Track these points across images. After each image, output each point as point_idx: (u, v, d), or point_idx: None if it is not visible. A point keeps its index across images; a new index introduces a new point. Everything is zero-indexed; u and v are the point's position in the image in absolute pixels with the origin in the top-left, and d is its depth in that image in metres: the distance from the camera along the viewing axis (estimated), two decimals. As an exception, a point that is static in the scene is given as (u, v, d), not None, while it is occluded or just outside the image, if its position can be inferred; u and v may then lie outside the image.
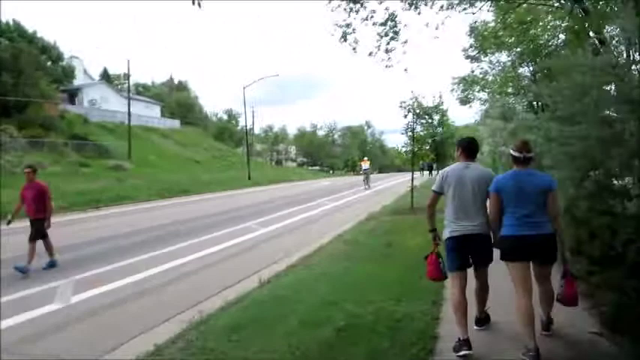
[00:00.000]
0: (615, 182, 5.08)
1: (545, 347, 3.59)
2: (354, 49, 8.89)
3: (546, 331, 4.03)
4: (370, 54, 9.09)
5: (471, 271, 4.14)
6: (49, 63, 41.77)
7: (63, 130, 32.69)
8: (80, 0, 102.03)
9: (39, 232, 7.88)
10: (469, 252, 4.05)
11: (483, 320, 4.34)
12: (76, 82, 48.30)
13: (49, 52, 42.92)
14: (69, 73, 46.18)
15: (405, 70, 9.33)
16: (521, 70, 15.39)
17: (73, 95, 46.40)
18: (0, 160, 19.68)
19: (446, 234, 4.12)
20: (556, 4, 11.23)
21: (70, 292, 6.25)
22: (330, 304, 5.08)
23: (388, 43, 8.81)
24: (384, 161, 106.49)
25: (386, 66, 9.02)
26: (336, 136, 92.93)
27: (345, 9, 8.54)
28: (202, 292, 6.36)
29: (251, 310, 5.05)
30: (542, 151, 6.18)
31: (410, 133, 13.53)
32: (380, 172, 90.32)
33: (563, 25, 12.58)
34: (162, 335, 4.56)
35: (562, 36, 13.13)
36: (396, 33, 8.77)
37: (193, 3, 3.98)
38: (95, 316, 5.51)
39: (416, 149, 13.58)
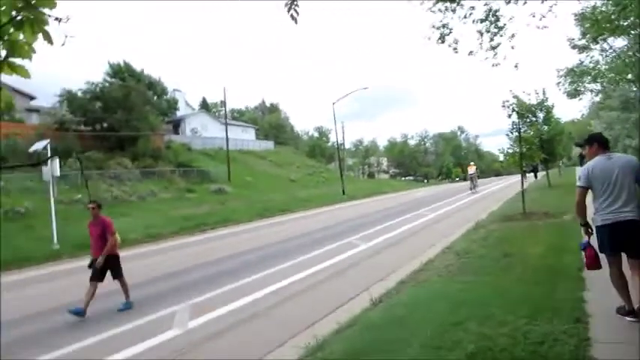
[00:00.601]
0: None
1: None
2: (454, 49, 8.33)
3: None
4: (470, 53, 8.48)
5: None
6: (155, 98, 45.49)
7: (170, 159, 35.15)
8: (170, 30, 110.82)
9: (108, 269, 7.25)
10: (622, 238, 4.20)
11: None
12: (179, 113, 52.14)
13: (155, 87, 46.78)
14: (172, 105, 50.00)
15: (516, 66, 8.43)
16: (641, 53, 13.68)
17: (176, 126, 50.08)
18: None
19: (597, 222, 4.35)
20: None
21: (187, 317, 6.39)
22: (454, 325, 4.61)
23: (492, 39, 8.15)
24: (481, 165, 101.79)
25: (492, 64, 8.34)
26: (428, 144, 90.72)
27: (440, 9, 8.07)
28: (313, 313, 6.19)
29: (369, 334, 4.73)
30: None
31: (516, 134, 12.55)
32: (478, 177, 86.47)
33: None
34: (280, 361, 4.42)
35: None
36: (499, 28, 8.09)
37: (292, 18, 3.84)
38: (212, 342, 5.53)
39: (524, 150, 12.51)
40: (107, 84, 34.61)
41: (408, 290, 6.44)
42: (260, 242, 13.80)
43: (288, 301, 7.03)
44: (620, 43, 14.85)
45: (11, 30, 1.87)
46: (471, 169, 32.20)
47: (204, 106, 71.71)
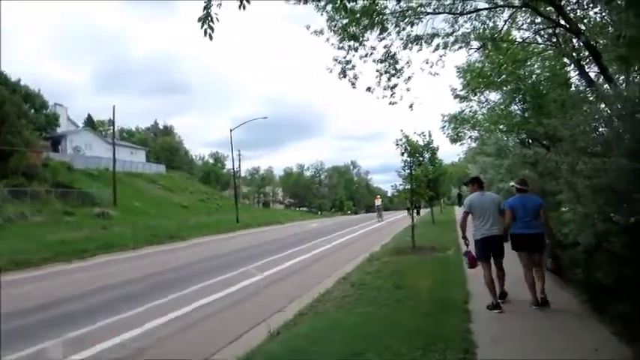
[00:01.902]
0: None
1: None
2: (353, 84, 8.79)
3: (537, 306, 6.15)
4: (369, 89, 8.99)
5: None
6: (32, 111, 41.45)
7: (46, 179, 31.93)
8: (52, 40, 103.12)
9: None
10: (492, 246, 6.48)
11: (503, 295, 6.69)
12: (60, 130, 47.90)
13: (33, 100, 42.68)
14: (52, 121, 45.87)
15: (411, 106, 9.14)
16: (512, 107, 15.48)
17: (56, 142, 45.89)
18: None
19: (477, 237, 6.58)
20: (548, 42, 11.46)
21: (60, 353, 5.67)
22: (353, 356, 4.66)
23: (389, 80, 8.73)
24: (370, 200, 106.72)
25: (389, 102, 8.91)
26: (322, 177, 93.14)
27: (343, 47, 8.49)
28: (208, 346, 5.88)
29: (269, 368, 4.59)
30: (558, 186, 6.12)
31: (408, 171, 13.38)
32: (367, 211, 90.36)
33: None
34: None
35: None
36: (397, 70, 8.72)
37: (205, 34, 3.75)
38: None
39: (414, 187, 13.38)
40: (-25, 91, 30.77)
41: (306, 321, 6.40)
42: (147, 270, 12.91)
43: (181, 333, 6.59)
44: (494, 96, 16.68)
45: None
46: (378, 201, 36.83)
47: (90, 123, 66.84)
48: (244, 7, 3.92)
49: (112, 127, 44.59)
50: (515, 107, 16.19)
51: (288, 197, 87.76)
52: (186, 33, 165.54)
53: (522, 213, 6.23)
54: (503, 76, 13.96)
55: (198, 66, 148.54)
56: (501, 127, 16.53)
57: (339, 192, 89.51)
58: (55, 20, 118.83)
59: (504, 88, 15.27)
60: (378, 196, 39.45)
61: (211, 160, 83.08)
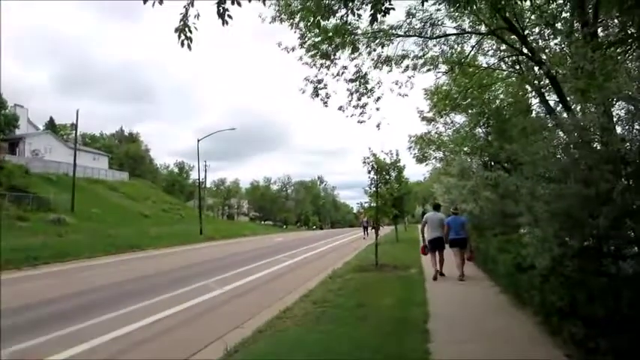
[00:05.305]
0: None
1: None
2: (325, 103, 8.82)
3: (461, 280, 10.43)
4: (340, 108, 9.05)
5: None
6: (-10, 111, 39.81)
7: (1, 182, 30.60)
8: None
9: None
10: (438, 244, 10.92)
11: (442, 274, 10.94)
12: (19, 132, 46.13)
13: (-9, 99, 40.97)
14: (12, 122, 44.06)
15: (378, 126, 9.27)
16: (476, 130, 15.87)
17: (14, 145, 44.16)
18: None
19: (429, 237, 11.08)
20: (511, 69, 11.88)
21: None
22: (311, 377, 4.57)
23: (359, 99, 8.82)
24: (337, 216, 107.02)
25: (358, 121, 9.00)
26: (289, 191, 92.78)
27: (315, 65, 8.53)
28: (162, 363, 5.66)
29: (224, 387, 4.43)
30: (518, 209, 6.24)
31: (374, 189, 13.49)
32: (332, 227, 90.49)
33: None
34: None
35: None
36: (367, 90, 8.82)
37: (182, 45, 3.68)
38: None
39: (380, 204, 13.48)
40: None
41: (265, 339, 6.27)
42: (102, 281, 12.47)
43: (133, 349, 6.33)
44: (460, 119, 17.10)
45: None
46: (363, 218, 36.65)
47: (51, 127, 64.69)
48: (226, 23, 3.82)
49: (74, 132, 43.21)
50: (480, 130, 16.60)
51: (254, 210, 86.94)
52: (154, 40, 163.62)
53: (454, 226, 10.79)
54: (469, 99, 14.36)
55: (166, 75, 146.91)
56: (465, 149, 16.92)
57: (306, 207, 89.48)
58: (16, 20, 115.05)
59: (469, 112, 15.68)
60: (362, 213, 41.15)
61: (176, 170, 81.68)
